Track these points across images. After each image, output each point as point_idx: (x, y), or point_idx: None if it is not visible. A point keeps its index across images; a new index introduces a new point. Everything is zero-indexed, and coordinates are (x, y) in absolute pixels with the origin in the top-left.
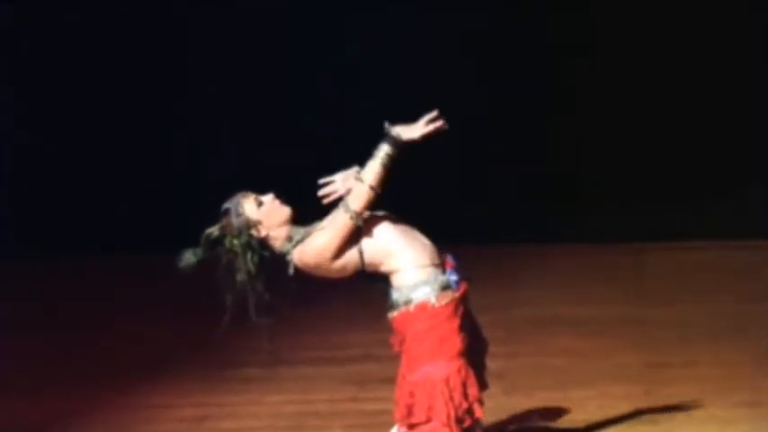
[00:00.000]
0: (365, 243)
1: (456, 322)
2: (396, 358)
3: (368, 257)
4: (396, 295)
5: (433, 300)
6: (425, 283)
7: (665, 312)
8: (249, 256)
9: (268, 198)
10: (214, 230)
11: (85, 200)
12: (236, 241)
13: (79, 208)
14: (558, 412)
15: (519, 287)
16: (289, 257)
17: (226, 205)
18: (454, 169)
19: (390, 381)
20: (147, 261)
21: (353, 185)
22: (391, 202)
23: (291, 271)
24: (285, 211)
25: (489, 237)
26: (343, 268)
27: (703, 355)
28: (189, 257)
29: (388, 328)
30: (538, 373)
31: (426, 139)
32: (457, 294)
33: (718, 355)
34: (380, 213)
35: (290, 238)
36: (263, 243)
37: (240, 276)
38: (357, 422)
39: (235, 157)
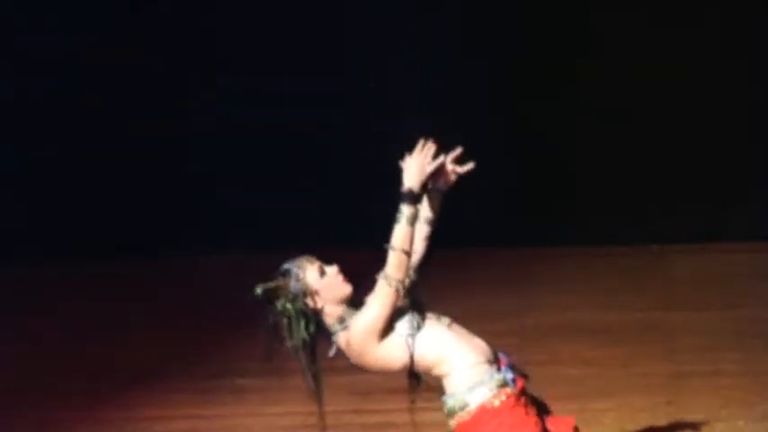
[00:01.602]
0: (418, 346)
1: (520, 411)
2: None
3: (419, 360)
4: (451, 402)
5: (491, 399)
6: (481, 383)
7: (689, 319)
8: (304, 323)
9: (332, 270)
10: (269, 286)
11: (75, 203)
12: (289, 305)
13: (66, 211)
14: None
15: (533, 292)
16: (334, 339)
17: (286, 265)
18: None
19: (395, 391)
20: (134, 268)
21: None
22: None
23: (332, 353)
24: (346, 290)
25: (502, 239)
26: (389, 360)
27: (728, 363)
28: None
29: None
30: (552, 384)
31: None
32: (515, 390)
33: (744, 364)
34: (433, 315)
35: (341, 320)
36: (316, 314)
37: (292, 342)
38: None
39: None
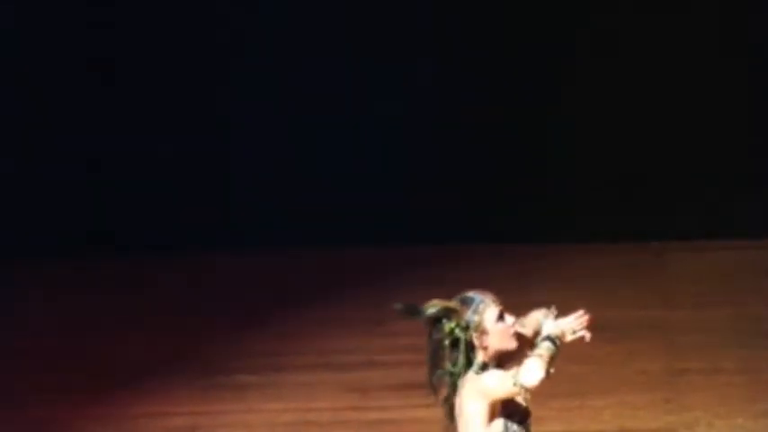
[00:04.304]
0: None
1: None
2: (400, 365)
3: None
4: None
5: None
6: None
7: (688, 316)
8: (465, 355)
9: (509, 320)
10: (445, 306)
11: (75, 201)
12: (459, 332)
13: (66, 209)
14: (574, 421)
15: (532, 289)
16: (457, 377)
17: (471, 294)
18: (464, 168)
19: (393, 388)
20: (134, 266)
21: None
22: (400, 202)
23: (445, 392)
24: (511, 344)
25: (502, 236)
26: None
27: (727, 361)
28: (407, 310)
29: (390, 333)
30: (552, 380)
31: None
32: None
33: (743, 361)
34: None
35: (483, 366)
36: (472, 349)
37: (450, 369)
38: None
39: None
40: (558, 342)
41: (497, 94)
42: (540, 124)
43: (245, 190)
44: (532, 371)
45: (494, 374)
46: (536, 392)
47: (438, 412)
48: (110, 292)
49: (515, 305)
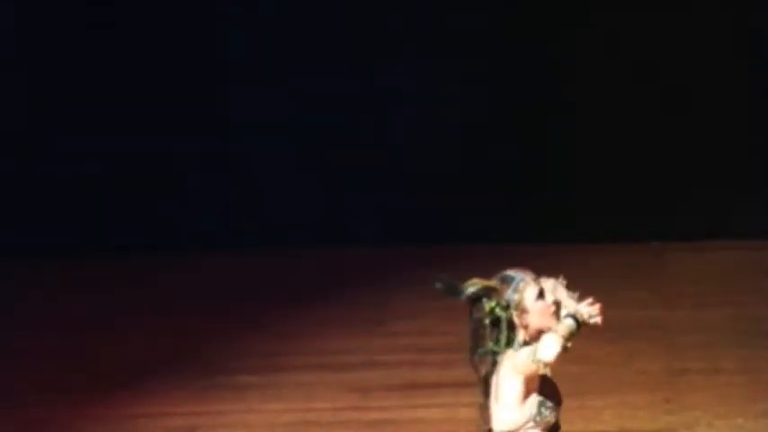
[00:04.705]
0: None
1: None
2: (400, 365)
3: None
4: None
5: None
6: None
7: (687, 316)
8: (506, 333)
9: (549, 298)
10: (485, 285)
11: (76, 201)
12: (499, 311)
13: (66, 209)
14: (574, 422)
15: None
16: (498, 356)
17: (510, 273)
18: (465, 168)
19: (393, 388)
20: (133, 266)
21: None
22: (400, 202)
23: (485, 367)
24: (550, 323)
25: (502, 236)
26: (512, 403)
27: (727, 361)
28: (447, 288)
29: (390, 333)
30: None
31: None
32: None
33: (742, 361)
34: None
35: (523, 344)
36: (512, 327)
37: (491, 347)
38: None
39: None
40: (580, 320)
41: (497, 94)
42: (540, 124)
43: (245, 190)
44: (549, 346)
45: (525, 350)
46: None
47: (438, 413)
48: (110, 292)
49: None
